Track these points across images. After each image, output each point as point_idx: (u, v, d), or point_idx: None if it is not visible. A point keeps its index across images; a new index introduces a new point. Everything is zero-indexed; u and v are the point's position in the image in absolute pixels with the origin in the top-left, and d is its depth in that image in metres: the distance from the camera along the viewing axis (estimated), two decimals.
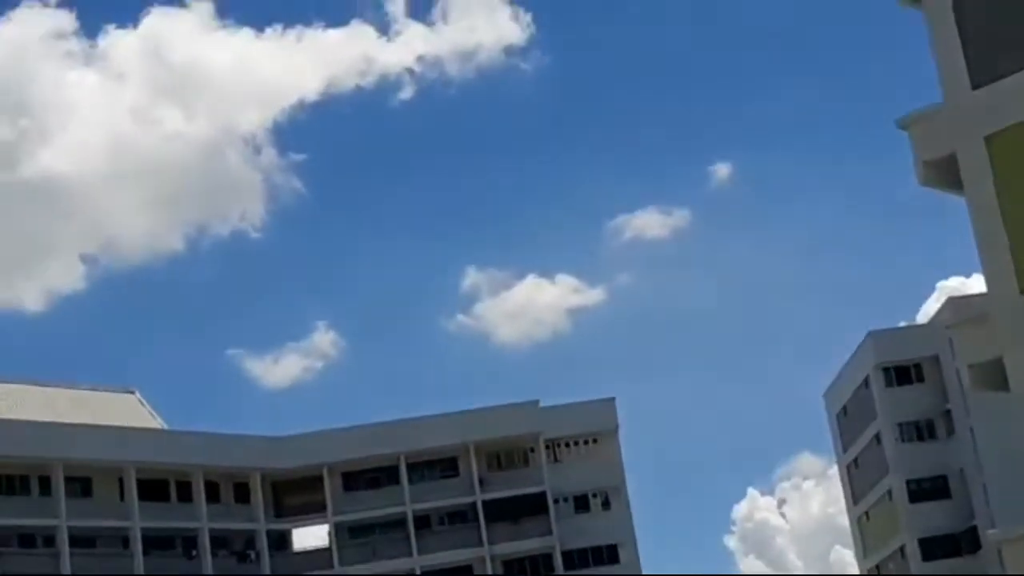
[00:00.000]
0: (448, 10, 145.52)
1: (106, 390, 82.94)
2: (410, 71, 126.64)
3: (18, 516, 68.99)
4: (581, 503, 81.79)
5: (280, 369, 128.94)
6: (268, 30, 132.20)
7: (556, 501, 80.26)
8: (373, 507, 79.32)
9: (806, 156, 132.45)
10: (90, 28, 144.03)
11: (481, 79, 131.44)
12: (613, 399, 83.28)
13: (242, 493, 78.62)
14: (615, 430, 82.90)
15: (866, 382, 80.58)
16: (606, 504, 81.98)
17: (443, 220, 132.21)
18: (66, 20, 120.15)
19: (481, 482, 79.86)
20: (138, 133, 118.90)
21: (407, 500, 79.14)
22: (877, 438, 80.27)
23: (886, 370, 78.76)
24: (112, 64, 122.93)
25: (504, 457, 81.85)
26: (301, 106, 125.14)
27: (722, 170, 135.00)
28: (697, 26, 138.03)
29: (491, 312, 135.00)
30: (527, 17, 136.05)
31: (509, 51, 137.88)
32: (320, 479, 79.19)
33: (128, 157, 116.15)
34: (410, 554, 78.52)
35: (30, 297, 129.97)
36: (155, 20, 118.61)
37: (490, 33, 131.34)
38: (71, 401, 79.04)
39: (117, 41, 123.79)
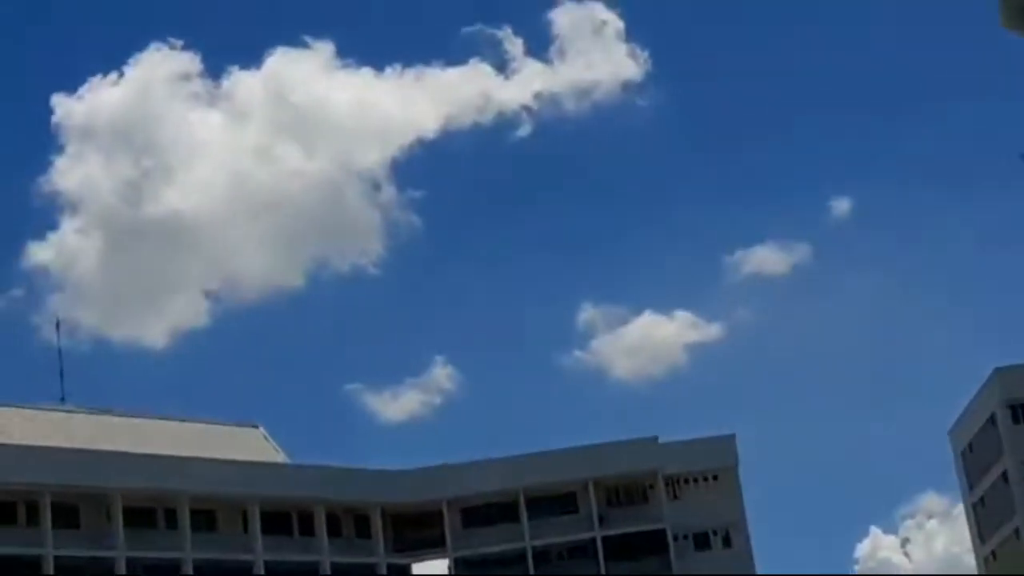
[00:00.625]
0: (565, 48, 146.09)
1: (230, 424, 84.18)
2: (527, 108, 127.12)
3: (145, 549, 70.15)
4: (701, 540, 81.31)
5: (398, 404, 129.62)
6: (388, 69, 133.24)
7: (676, 538, 79.83)
8: (492, 542, 79.46)
9: (928, 189, 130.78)
10: (214, 69, 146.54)
11: (598, 116, 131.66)
12: (733, 435, 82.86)
13: (363, 527, 79.23)
14: (735, 466, 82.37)
15: (992, 419, 79.21)
16: (727, 541, 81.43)
17: (560, 255, 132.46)
18: (191, 62, 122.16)
19: (600, 518, 79.71)
20: (260, 171, 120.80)
21: (526, 535, 79.23)
22: (1004, 476, 78.80)
23: (1013, 407, 77.36)
24: (235, 104, 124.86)
25: (623, 493, 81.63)
26: (420, 144, 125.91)
27: (842, 204, 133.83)
28: (815, 58, 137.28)
29: (608, 347, 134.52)
30: (644, 53, 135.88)
31: (626, 87, 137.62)
32: (440, 514, 79.56)
33: (250, 195, 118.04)
34: None
35: (155, 333, 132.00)
36: (278, 61, 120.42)
37: (607, 70, 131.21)
38: (196, 435, 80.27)
39: (241, 82, 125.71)
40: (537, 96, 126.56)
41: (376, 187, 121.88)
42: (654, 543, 79.28)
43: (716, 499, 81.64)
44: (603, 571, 78.45)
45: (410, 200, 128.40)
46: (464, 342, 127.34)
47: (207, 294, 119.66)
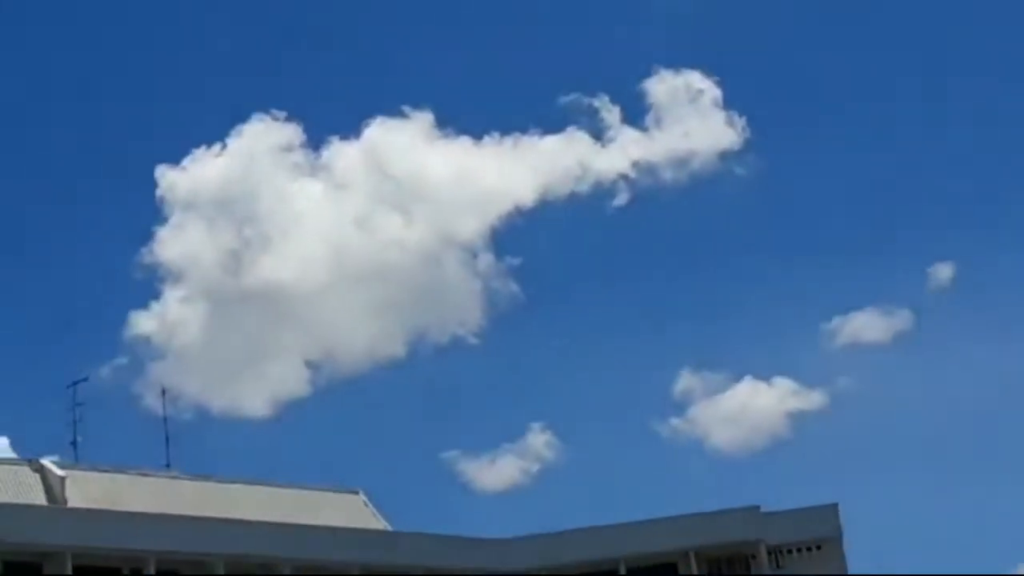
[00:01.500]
0: (662, 116, 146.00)
1: (332, 491, 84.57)
2: (625, 177, 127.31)
3: None
4: None
5: (496, 471, 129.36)
6: (486, 138, 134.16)
7: None
8: None
9: None
10: (315, 140, 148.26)
11: (695, 184, 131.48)
12: (836, 505, 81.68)
13: None
14: (839, 536, 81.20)
15: None
16: None
17: (657, 323, 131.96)
18: (293, 133, 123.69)
19: None
20: (359, 241, 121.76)
21: None
22: None
23: None
24: (335, 174, 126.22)
25: (725, 563, 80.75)
26: (518, 212, 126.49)
27: (944, 270, 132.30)
28: (919, 125, 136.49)
29: (706, 415, 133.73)
30: (741, 121, 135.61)
31: (724, 156, 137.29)
32: None
33: (350, 265, 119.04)
34: None
35: (256, 402, 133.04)
36: (377, 131, 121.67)
37: (704, 138, 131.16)
38: (298, 501, 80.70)
39: (340, 152, 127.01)
40: (634, 165, 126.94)
41: (474, 256, 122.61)
42: None
43: (820, 569, 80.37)
44: None
45: (509, 268, 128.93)
46: (562, 409, 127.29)
47: (308, 363, 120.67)
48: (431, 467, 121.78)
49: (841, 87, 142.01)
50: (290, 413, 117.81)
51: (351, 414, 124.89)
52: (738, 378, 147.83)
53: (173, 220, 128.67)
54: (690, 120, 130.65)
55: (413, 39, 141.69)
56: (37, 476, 73.57)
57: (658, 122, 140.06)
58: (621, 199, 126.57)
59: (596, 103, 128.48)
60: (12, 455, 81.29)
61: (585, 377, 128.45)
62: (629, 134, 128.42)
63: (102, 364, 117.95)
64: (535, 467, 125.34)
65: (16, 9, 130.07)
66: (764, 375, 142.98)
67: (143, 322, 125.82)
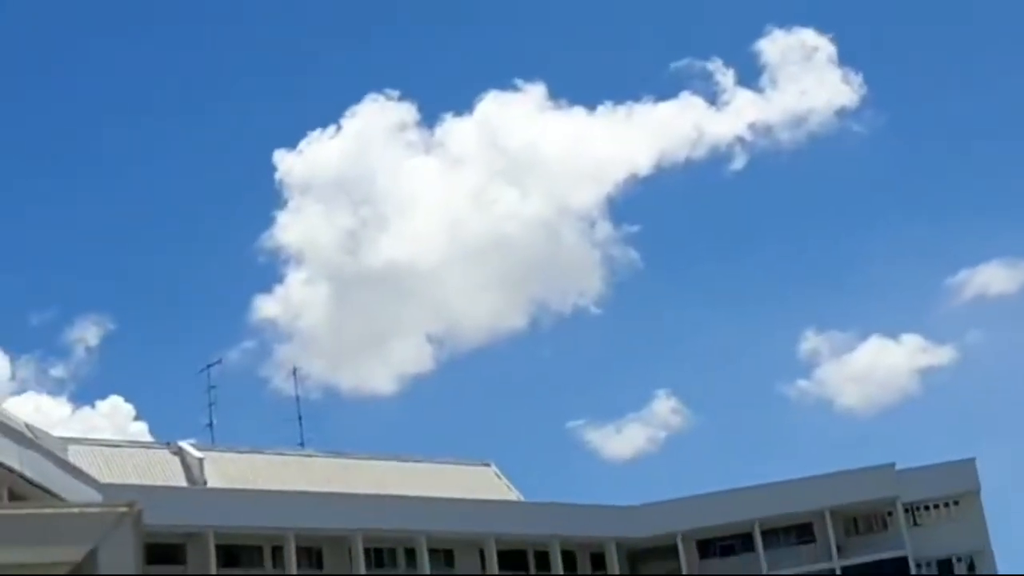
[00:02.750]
0: (777, 76, 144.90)
1: (464, 463, 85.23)
2: (741, 140, 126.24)
3: None
4: (945, 567, 79.39)
5: (623, 439, 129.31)
6: (599, 108, 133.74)
7: (918, 565, 78.18)
8: (729, 574, 78.74)
9: None
10: (429, 118, 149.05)
11: (813, 143, 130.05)
12: (973, 459, 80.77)
13: (598, 563, 79.31)
14: (977, 491, 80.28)
15: None
16: (971, 568, 79.34)
17: (780, 284, 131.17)
18: (407, 112, 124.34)
19: (839, 548, 78.46)
20: (476, 216, 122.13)
21: (763, 567, 78.35)
22: None
23: None
24: (450, 151, 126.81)
25: (861, 522, 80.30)
26: (634, 180, 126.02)
27: None
28: None
29: (833, 375, 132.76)
30: (858, 78, 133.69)
31: (841, 113, 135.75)
32: (675, 547, 79.18)
33: (468, 240, 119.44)
34: None
35: (382, 379, 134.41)
36: (490, 105, 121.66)
37: (821, 96, 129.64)
38: (431, 475, 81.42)
39: (454, 128, 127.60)
40: (751, 127, 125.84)
41: (592, 225, 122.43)
42: (896, 572, 77.68)
43: (958, 525, 79.66)
44: None
45: (627, 236, 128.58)
46: (686, 375, 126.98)
47: (430, 339, 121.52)
48: (557, 437, 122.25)
49: (958, 38, 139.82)
50: (415, 388, 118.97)
51: (476, 387, 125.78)
52: (864, 337, 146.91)
53: (292, 204, 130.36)
54: (805, 79, 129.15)
55: (523, 13, 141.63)
56: (176, 459, 74.94)
57: (773, 82, 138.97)
58: (738, 162, 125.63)
59: (709, 66, 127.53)
60: (150, 439, 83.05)
61: (709, 342, 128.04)
62: (744, 96, 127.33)
63: (230, 348, 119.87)
64: (662, 434, 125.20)
65: (138, 6, 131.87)
66: (891, 333, 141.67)
67: (268, 306, 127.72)
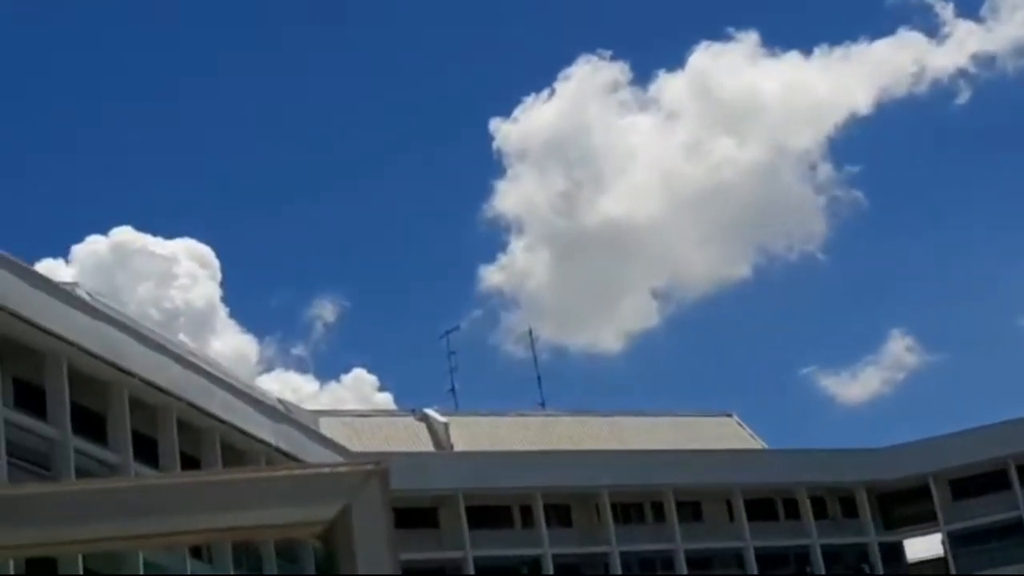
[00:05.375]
0: (998, 4, 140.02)
1: (705, 415, 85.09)
2: (964, 73, 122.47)
3: (635, 543, 71.78)
4: None
5: (858, 383, 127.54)
6: (815, 50, 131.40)
7: None
8: (985, 513, 77.00)
9: None
10: (641, 75, 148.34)
11: None
12: None
13: (848, 507, 78.46)
14: None
15: None
16: None
17: (1012, 217, 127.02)
18: (620, 71, 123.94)
19: None
20: (692, 168, 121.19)
21: (1021, 504, 76.45)
22: None
23: None
24: (663, 106, 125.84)
25: None
26: (854, 120, 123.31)
27: None
28: None
29: None
30: None
31: None
32: (927, 488, 77.77)
33: (686, 192, 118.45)
34: None
35: (609, 337, 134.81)
36: (702, 57, 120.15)
37: None
38: (673, 428, 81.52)
39: (667, 83, 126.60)
40: (973, 58, 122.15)
41: (812, 168, 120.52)
42: None
43: None
44: None
45: (849, 177, 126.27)
46: (919, 313, 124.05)
47: (655, 294, 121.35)
48: (791, 385, 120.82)
49: None
50: (643, 344, 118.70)
51: (703, 339, 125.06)
52: None
53: (509, 172, 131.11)
54: None
55: None
56: (422, 425, 76.57)
57: (994, 11, 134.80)
58: (963, 96, 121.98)
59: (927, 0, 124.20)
60: (395, 408, 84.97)
61: (942, 279, 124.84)
62: (965, 27, 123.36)
63: (459, 318, 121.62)
64: (899, 376, 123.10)
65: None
66: None
67: (493, 274, 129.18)
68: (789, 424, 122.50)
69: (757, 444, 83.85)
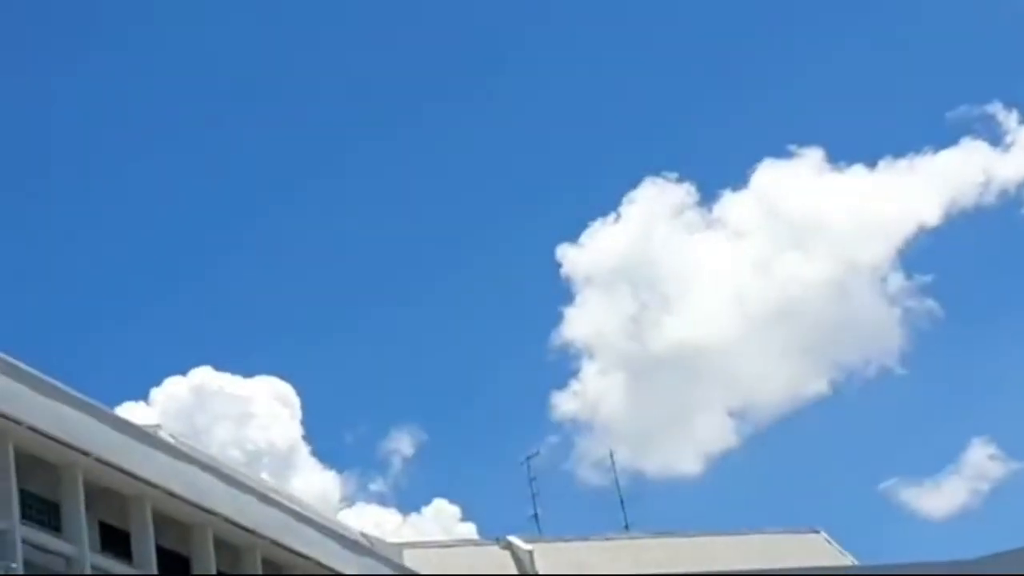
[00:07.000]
0: None
1: (792, 532, 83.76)
2: None
3: None
4: None
5: (942, 495, 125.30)
6: (880, 163, 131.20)
7: None
8: None
9: None
10: (707, 196, 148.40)
11: None
12: None
13: None
14: None
15: None
16: None
17: None
18: (686, 193, 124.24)
19: None
20: (762, 286, 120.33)
21: None
22: None
23: None
24: (730, 225, 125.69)
25: None
26: (923, 232, 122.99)
27: None
28: None
29: None
30: None
31: None
32: None
33: (756, 311, 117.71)
34: None
35: (688, 459, 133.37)
36: (766, 175, 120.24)
37: None
38: (760, 546, 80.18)
39: (732, 203, 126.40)
40: None
41: (883, 280, 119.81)
42: None
43: None
44: None
45: (922, 286, 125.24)
46: (1003, 423, 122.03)
47: (732, 414, 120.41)
48: (871, 499, 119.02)
49: None
50: (723, 465, 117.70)
51: (783, 457, 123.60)
52: None
53: (578, 297, 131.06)
54: None
55: (792, 80, 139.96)
56: (507, 553, 75.82)
57: None
58: None
59: (989, 109, 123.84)
60: (478, 538, 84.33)
61: (1021, 385, 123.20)
62: None
63: (535, 445, 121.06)
64: (984, 486, 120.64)
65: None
66: None
67: (566, 401, 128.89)
68: (874, 539, 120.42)
69: (847, 560, 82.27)
